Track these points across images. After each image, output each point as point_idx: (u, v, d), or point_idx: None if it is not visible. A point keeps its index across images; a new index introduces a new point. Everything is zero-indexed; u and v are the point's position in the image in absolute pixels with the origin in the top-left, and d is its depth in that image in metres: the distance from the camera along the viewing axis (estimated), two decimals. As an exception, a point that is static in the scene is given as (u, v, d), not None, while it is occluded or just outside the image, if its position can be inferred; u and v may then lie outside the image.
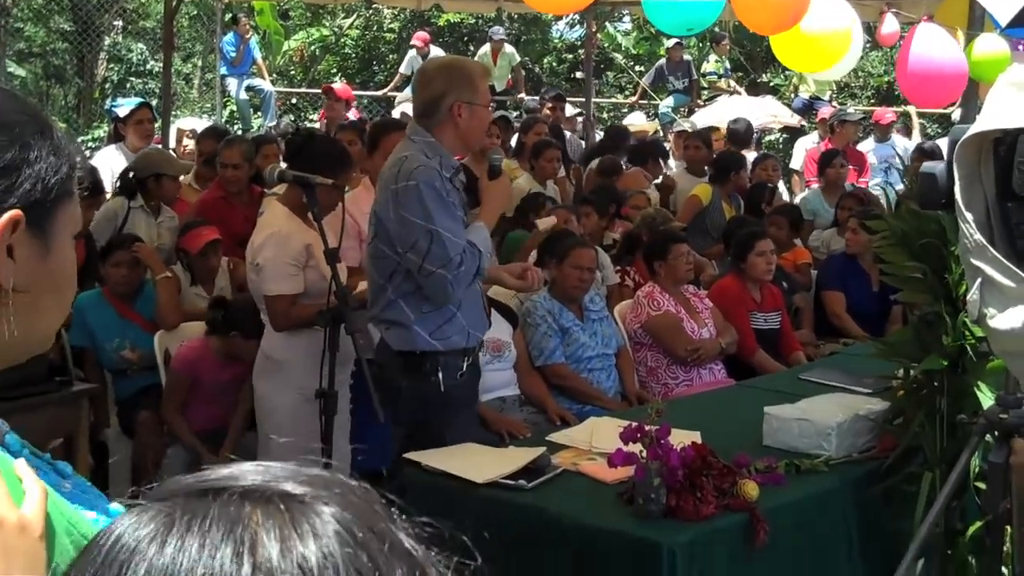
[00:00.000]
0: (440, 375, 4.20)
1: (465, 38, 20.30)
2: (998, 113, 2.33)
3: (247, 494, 0.83)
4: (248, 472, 0.86)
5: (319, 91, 14.75)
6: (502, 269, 4.81)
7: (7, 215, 1.25)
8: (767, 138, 14.62)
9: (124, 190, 6.72)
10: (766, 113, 13.89)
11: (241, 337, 5.23)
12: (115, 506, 1.36)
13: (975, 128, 2.35)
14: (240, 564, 0.78)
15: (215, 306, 5.52)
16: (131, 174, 6.78)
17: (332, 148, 5.07)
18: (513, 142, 10.31)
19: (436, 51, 14.77)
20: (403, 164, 4.16)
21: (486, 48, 15.04)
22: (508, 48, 15.22)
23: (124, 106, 8.41)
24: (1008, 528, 3.32)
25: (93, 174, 6.85)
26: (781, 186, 10.79)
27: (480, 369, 4.53)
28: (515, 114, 13.66)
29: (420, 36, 14.82)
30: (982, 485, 3.52)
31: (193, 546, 0.79)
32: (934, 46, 7.03)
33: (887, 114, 12.08)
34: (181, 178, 7.41)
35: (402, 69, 14.77)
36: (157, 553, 0.80)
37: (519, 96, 15.22)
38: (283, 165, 5.82)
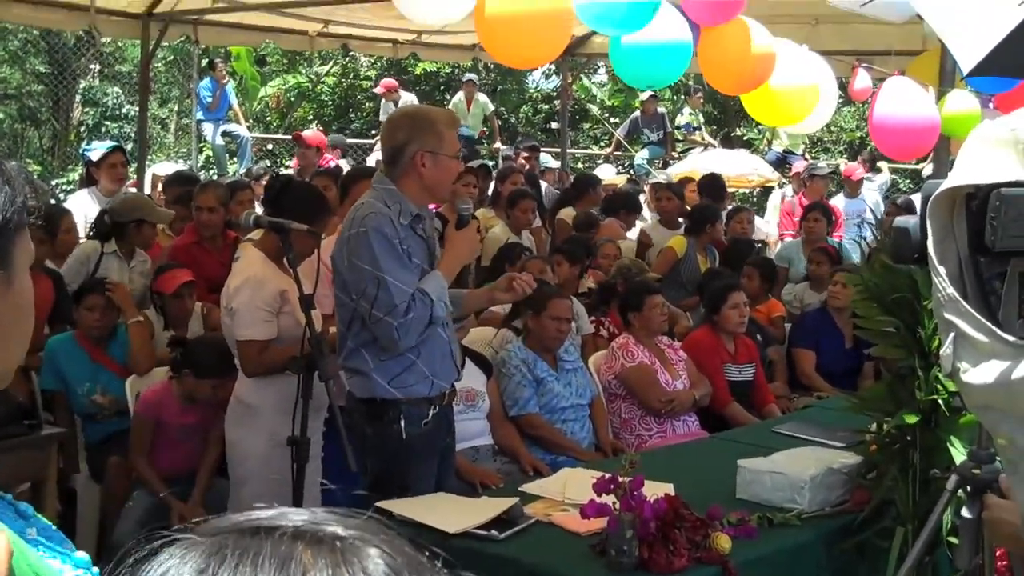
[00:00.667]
0: (402, 423, 4.16)
1: (441, 87, 20.42)
2: (970, 168, 2.34)
3: (298, 534, 0.84)
4: (295, 515, 0.88)
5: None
6: (491, 288, 4.67)
7: None
8: (741, 191, 14.72)
9: (99, 234, 6.69)
10: (749, 165, 13.97)
11: (193, 376, 5.20)
12: (81, 555, 1.34)
13: (948, 183, 2.37)
14: None
15: (173, 344, 5.50)
16: (105, 217, 6.74)
17: (310, 194, 5.06)
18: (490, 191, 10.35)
19: (408, 97, 14.82)
20: (357, 212, 4.18)
21: (460, 96, 15.13)
22: (481, 97, 15.32)
23: (97, 150, 8.37)
24: (980, 584, 3.32)
25: (50, 205, 6.82)
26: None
27: (451, 419, 4.47)
28: (491, 163, 13.74)
29: (385, 83, 14.88)
30: (955, 540, 3.52)
31: None
32: (904, 100, 7.11)
33: (857, 170, 12.19)
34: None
35: (381, 117, 14.86)
36: None
37: (495, 145, 15.29)
38: (259, 210, 5.82)
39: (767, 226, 12.13)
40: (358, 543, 0.84)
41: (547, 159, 13.94)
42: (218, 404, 5.12)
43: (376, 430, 4.18)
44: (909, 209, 8.86)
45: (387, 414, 4.16)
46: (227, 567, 0.81)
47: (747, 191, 15.21)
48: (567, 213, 9.90)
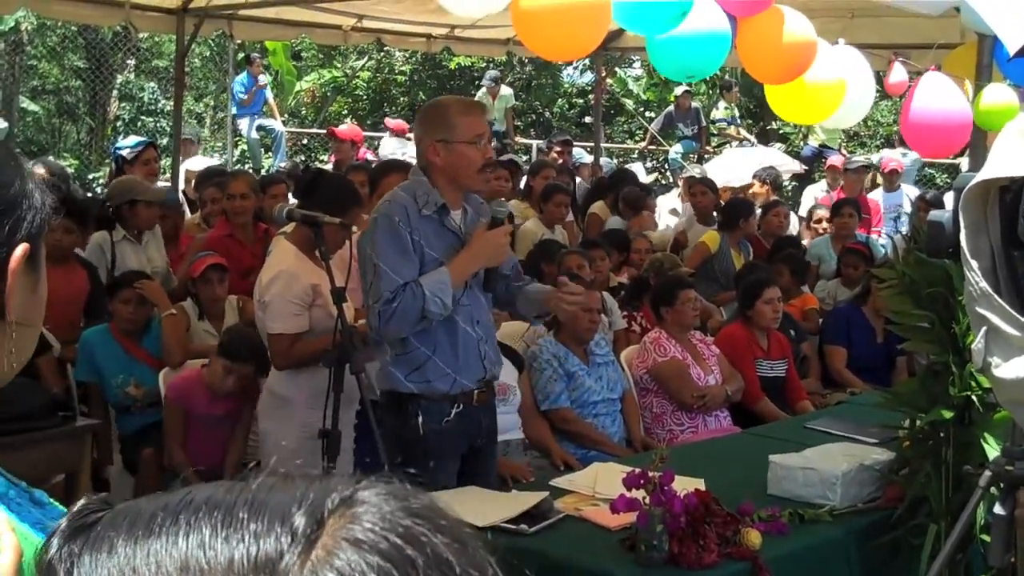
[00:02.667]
0: (420, 418, 4.11)
1: (476, 81, 20.43)
2: (1005, 161, 2.33)
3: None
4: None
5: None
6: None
7: (22, 248, 1.26)
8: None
9: (102, 222, 6.74)
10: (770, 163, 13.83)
11: (220, 357, 5.25)
12: None
13: (981, 176, 2.35)
14: None
15: (227, 331, 5.62)
16: (106, 205, 6.82)
17: (341, 186, 5.07)
18: (521, 185, 10.34)
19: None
20: (382, 199, 4.20)
21: (483, 92, 15.09)
22: (505, 90, 15.25)
23: (129, 148, 8.43)
24: (1013, 582, 3.30)
25: (85, 198, 6.93)
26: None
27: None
28: (524, 157, 13.74)
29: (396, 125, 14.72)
30: (987, 538, 3.49)
31: None
32: (937, 96, 7.04)
33: (891, 163, 12.06)
34: (187, 217, 7.46)
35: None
36: None
37: (508, 140, 15.11)
38: (292, 203, 5.84)
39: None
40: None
41: (581, 154, 13.90)
42: (242, 395, 5.19)
43: (395, 423, 4.15)
44: (938, 205, 8.80)
45: (406, 408, 4.13)
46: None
47: (783, 184, 15.09)
48: (599, 207, 9.88)
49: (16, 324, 1.29)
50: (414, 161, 4.79)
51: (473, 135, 4.13)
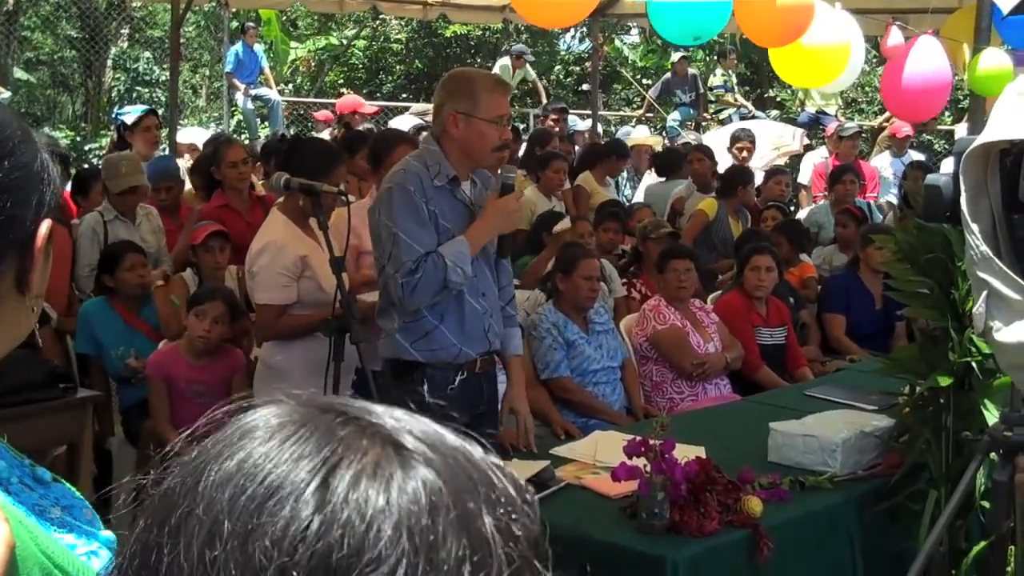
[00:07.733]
0: (425, 387, 4.09)
1: (472, 50, 20.33)
2: (1005, 124, 2.32)
3: (366, 427, 0.84)
4: (390, 414, 0.88)
5: (326, 101, 14.79)
6: None
7: (46, 224, 1.27)
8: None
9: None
10: (770, 147, 13.68)
11: (193, 307, 5.26)
12: (107, 534, 1.33)
13: (982, 139, 2.34)
14: (310, 481, 0.79)
15: None
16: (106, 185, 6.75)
17: (320, 148, 5.05)
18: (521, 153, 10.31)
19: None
20: (393, 169, 4.18)
21: (506, 60, 14.91)
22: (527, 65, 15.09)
23: (131, 114, 8.38)
24: (1012, 548, 3.31)
25: (83, 169, 6.85)
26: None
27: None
28: (522, 125, 13.67)
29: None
30: (987, 504, 3.50)
31: (287, 449, 0.81)
32: (918, 61, 6.99)
33: (903, 128, 11.97)
34: (187, 187, 7.42)
35: None
36: (260, 444, 0.82)
37: (539, 108, 15.03)
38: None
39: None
40: (415, 459, 0.82)
41: (575, 121, 13.85)
42: (226, 359, 5.24)
43: (400, 392, 4.13)
44: (928, 170, 8.77)
45: (410, 376, 4.12)
46: (286, 432, 0.83)
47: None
48: (585, 178, 9.85)
49: (38, 298, 1.30)
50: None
51: (495, 115, 4.10)
